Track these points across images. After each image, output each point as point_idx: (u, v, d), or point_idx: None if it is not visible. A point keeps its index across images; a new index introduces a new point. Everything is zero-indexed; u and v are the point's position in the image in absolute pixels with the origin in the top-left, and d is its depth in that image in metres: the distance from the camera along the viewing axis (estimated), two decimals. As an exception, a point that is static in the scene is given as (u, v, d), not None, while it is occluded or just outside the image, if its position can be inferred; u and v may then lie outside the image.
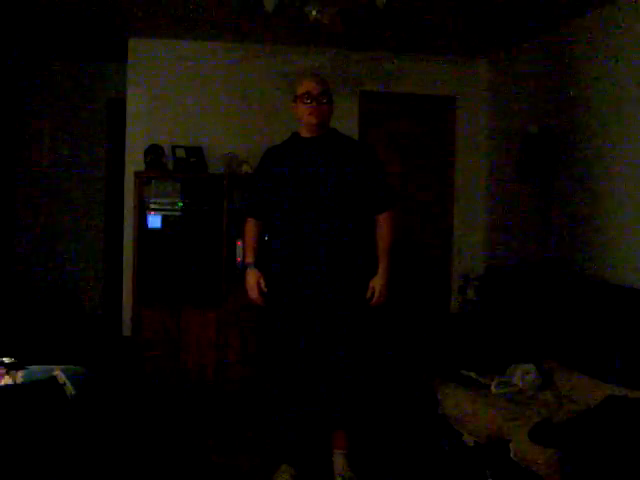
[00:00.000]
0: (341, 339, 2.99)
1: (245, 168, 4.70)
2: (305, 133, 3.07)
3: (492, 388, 3.33)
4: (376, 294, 3.01)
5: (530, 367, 3.40)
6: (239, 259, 4.55)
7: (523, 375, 3.37)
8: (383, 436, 3.76)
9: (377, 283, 3.02)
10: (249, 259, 3.13)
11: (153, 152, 4.64)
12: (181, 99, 4.92)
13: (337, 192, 2.96)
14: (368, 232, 3.06)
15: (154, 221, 4.54)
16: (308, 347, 3.02)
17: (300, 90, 3.00)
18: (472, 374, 3.51)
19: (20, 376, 2.77)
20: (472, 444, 3.05)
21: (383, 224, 3.05)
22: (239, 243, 4.53)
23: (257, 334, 4.47)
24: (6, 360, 2.87)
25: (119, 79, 5.38)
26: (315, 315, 2.99)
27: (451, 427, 3.24)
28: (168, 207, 4.57)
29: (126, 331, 4.73)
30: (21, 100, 5.70)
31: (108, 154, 5.83)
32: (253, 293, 3.08)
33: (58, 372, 2.74)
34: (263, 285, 3.06)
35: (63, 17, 4.36)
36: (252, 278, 3.08)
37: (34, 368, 2.87)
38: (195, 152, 4.74)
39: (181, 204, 4.59)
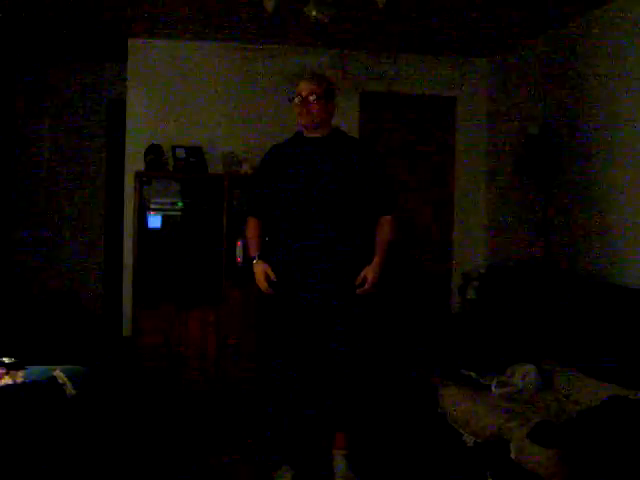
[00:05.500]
0: (341, 340, 2.99)
1: (245, 168, 4.70)
2: (306, 132, 3.07)
3: (492, 388, 3.33)
4: (367, 283, 2.97)
5: (530, 367, 3.40)
6: (239, 259, 4.55)
7: (523, 375, 3.37)
8: (383, 436, 3.76)
9: (369, 272, 2.98)
10: (253, 252, 3.13)
11: (153, 152, 4.64)
12: (181, 99, 4.92)
13: (339, 192, 2.96)
14: (369, 233, 3.06)
15: (154, 221, 4.54)
16: (308, 348, 3.02)
17: (296, 91, 3.01)
18: (472, 374, 3.51)
19: (20, 376, 2.77)
20: (472, 444, 3.05)
21: (384, 223, 3.06)
22: (239, 243, 4.53)
23: (257, 335, 4.47)
24: (6, 360, 2.88)
25: (119, 79, 5.38)
26: (315, 315, 2.99)
27: (451, 427, 3.24)
28: (168, 207, 4.57)
29: (126, 331, 4.73)
30: (21, 100, 5.70)
31: (108, 154, 5.83)
32: (262, 284, 3.06)
33: (58, 372, 2.75)
34: (272, 275, 3.03)
35: (63, 17, 4.36)
36: (259, 270, 3.06)
37: (34, 368, 2.87)
38: (195, 152, 4.74)
39: (181, 204, 4.59)
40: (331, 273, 2.97)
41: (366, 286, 2.97)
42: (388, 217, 3.07)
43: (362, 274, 2.98)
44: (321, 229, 2.96)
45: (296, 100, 2.99)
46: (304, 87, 2.98)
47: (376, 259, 3.01)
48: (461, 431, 3.15)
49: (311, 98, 2.96)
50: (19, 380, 2.75)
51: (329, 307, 2.98)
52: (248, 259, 3.28)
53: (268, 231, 3.18)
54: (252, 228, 3.18)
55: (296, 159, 3.05)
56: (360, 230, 3.04)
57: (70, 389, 2.69)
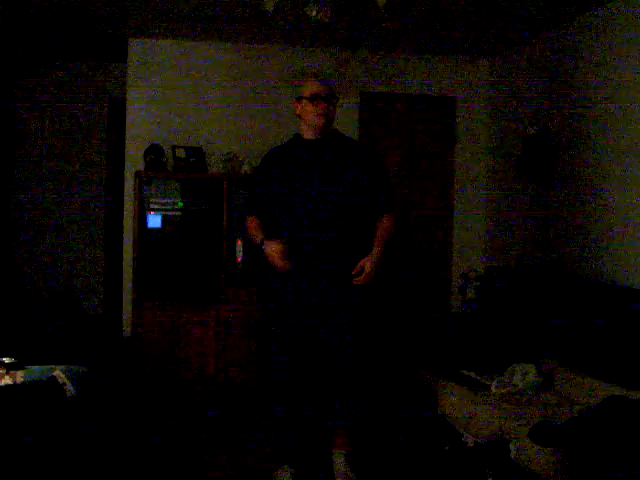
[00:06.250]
0: (342, 340, 2.99)
1: (245, 168, 4.71)
2: (308, 134, 3.06)
3: (492, 388, 3.33)
4: (364, 273, 2.94)
5: (530, 367, 3.40)
6: (239, 259, 4.55)
7: (523, 375, 3.37)
8: (383, 436, 3.76)
9: (367, 262, 2.95)
10: (259, 237, 3.03)
11: (153, 152, 4.64)
12: (181, 99, 4.92)
13: (340, 194, 2.97)
14: (370, 233, 3.06)
15: (154, 221, 4.54)
16: (308, 348, 3.02)
17: (308, 91, 2.99)
18: (472, 374, 3.51)
19: (20, 376, 2.77)
20: (472, 444, 3.05)
21: (384, 220, 3.06)
22: (239, 243, 4.53)
23: (257, 334, 4.47)
24: (6, 360, 2.87)
25: (119, 79, 5.38)
26: (316, 316, 2.99)
27: (451, 427, 3.24)
28: (168, 207, 4.57)
29: (126, 331, 4.73)
30: (21, 100, 5.70)
31: (108, 154, 5.83)
32: (279, 261, 2.93)
33: (58, 372, 2.75)
34: (286, 249, 2.92)
35: (63, 17, 4.36)
36: (272, 247, 2.93)
37: (34, 368, 2.87)
38: (195, 152, 4.74)
39: (181, 204, 4.59)
40: (332, 274, 2.97)
41: (363, 276, 2.95)
42: (388, 215, 3.08)
43: (360, 264, 2.95)
44: (322, 230, 2.96)
45: (315, 101, 2.96)
46: (321, 88, 2.98)
47: (374, 251, 2.99)
48: (461, 431, 3.15)
49: (332, 99, 2.99)
50: (19, 380, 2.74)
51: (330, 307, 2.98)
52: (251, 258, 3.26)
53: (268, 233, 3.17)
54: (253, 222, 3.14)
55: (297, 161, 3.05)
56: (361, 230, 3.04)
57: (70, 389, 2.69)
